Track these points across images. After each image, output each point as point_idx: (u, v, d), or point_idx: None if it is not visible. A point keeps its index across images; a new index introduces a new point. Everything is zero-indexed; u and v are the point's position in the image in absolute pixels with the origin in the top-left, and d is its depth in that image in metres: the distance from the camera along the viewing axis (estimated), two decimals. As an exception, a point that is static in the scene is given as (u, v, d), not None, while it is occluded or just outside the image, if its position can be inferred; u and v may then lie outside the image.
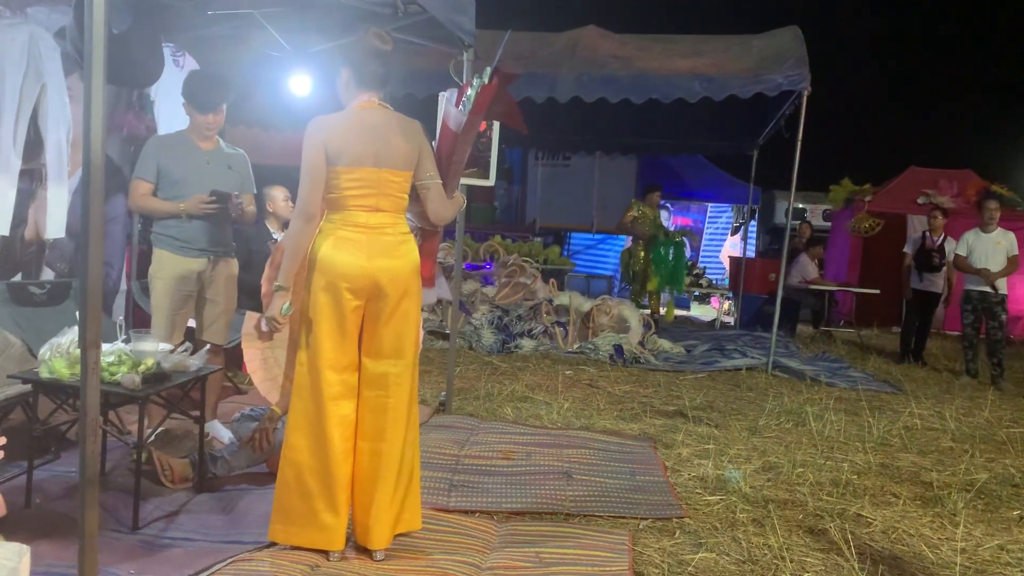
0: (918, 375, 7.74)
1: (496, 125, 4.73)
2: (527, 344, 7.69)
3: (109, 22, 1.95)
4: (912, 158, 12.97)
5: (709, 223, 16.00)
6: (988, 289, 7.33)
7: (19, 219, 4.53)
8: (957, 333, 10.70)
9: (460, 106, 2.99)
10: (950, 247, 8.22)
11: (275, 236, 5.69)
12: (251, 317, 3.04)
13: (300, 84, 5.50)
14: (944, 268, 8.41)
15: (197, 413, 3.51)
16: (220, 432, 4.08)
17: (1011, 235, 7.52)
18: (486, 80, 2.93)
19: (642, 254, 9.27)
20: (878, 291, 10.41)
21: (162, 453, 3.52)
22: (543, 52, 7.91)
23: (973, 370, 7.53)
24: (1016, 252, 7.43)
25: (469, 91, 2.96)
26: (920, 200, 12.02)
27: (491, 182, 5.00)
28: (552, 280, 8.63)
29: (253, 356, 3.05)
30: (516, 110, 3.13)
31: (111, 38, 1.98)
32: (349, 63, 2.96)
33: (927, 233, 8.55)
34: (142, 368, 3.17)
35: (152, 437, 3.47)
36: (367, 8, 4.29)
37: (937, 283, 8.53)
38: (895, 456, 4.72)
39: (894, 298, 11.63)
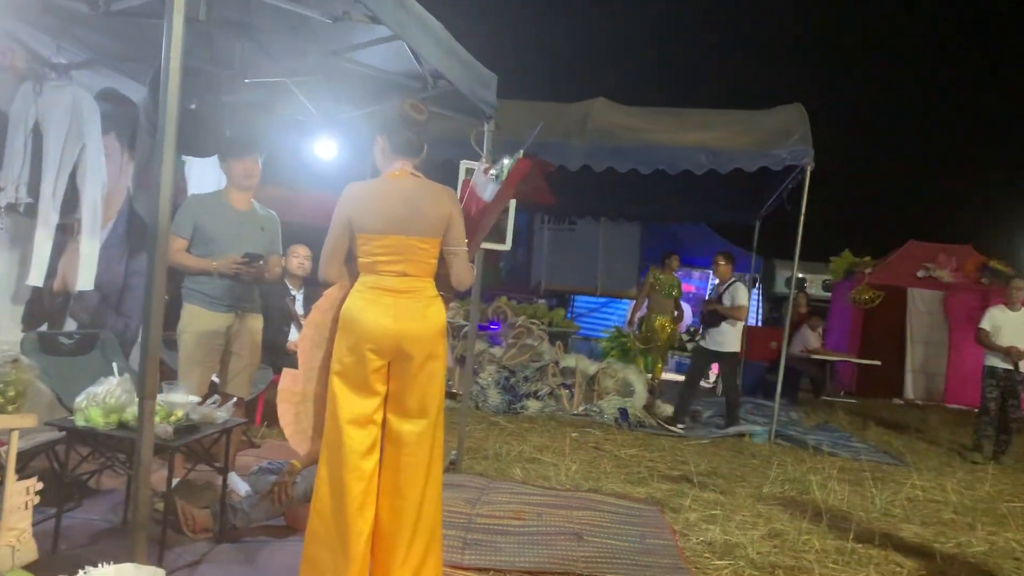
0: (919, 447, 7.81)
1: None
2: (533, 405, 7.78)
3: (182, 98, 2.13)
4: (912, 232, 13.24)
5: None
6: (1012, 367, 7.27)
7: (50, 271, 4.68)
8: (960, 407, 10.83)
9: (493, 176, 3.16)
10: (733, 295, 7.55)
11: (293, 293, 5.84)
12: (287, 374, 3.16)
13: (325, 148, 5.71)
14: (727, 321, 7.55)
15: (220, 464, 3.61)
16: (238, 484, 4.15)
17: None
18: (520, 155, 3.11)
19: (656, 321, 9.27)
20: (879, 362, 10.53)
21: (185, 503, 3.60)
22: (556, 121, 8.17)
23: (989, 449, 7.38)
24: None
25: (505, 161, 3.14)
26: (920, 274, 12.25)
27: (507, 247, 5.17)
28: (559, 342, 8.75)
29: (286, 411, 3.15)
30: (545, 189, 3.32)
31: (185, 112, 2.16)
32: (384, 131, 3.12)
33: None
34: (173, 419, 3.28)
35: (175, 487, 3.57)
36: (397, 80, 4.52)
37: (717, 339, 7.61)
38: (898, 527, 4.79)
39: (896, 369, 11.79)
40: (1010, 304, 7.49)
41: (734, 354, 7.72)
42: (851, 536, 4.38)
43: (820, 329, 11.23)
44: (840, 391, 11.54)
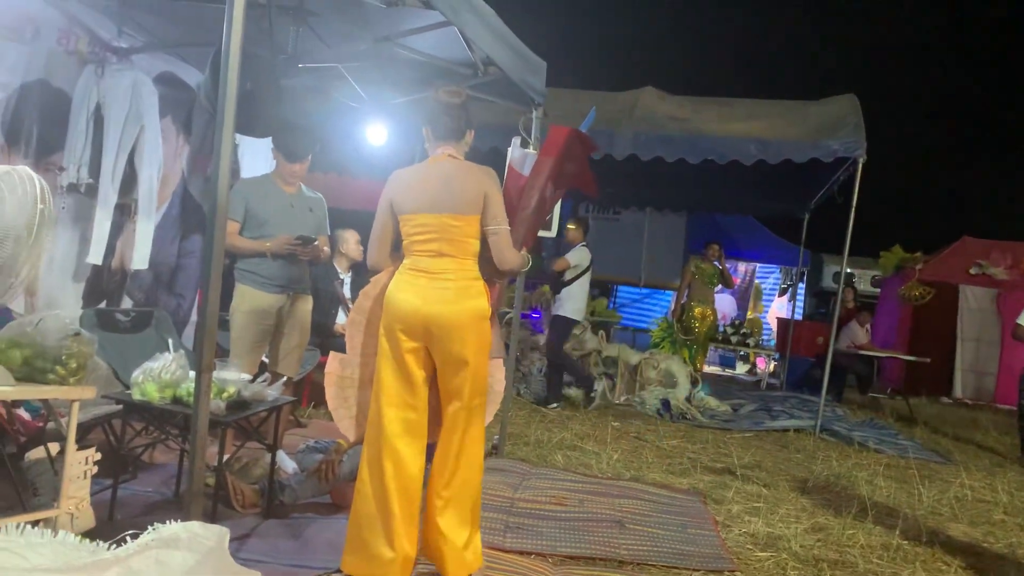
0: (967, 447, 7.65)
1: None
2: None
3: (241, 78, 2.18)
4: (966, 228, 12.92)
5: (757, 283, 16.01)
6: None
7: (108, 250, 4.81)
8: (1012, 407, 10.55)
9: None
10: (575, 256, 7.44)
11: (342, 276, 5.92)
12: (334, 357, 3.21)
13: (376, 134, 5.76)
14: (568, 287, 7.42)
15: (269, 441, 3.69)
16: (285, 462, 4.24)
17: None
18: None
19: (696, 310, 9.28)
20: (928, 360, 10.31)
21: (235, 478, 3.69)
22: (603, 110, 8.12)
23: None
24: None
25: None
26: (972, 271, 11.96)
27: (553, 233, 5.18)
28: (601, 332, 8.75)
29: (334, 394, 3.21)
30: (588, 173, 3.28)
31: (243, 92, 2.20)
32: (425, 119, 3.18)
33: None
34: (225, 396, 3.36)
35: (225, 462, 3.66)
36: (447, 67, 4.55)
37: (558, 303, 7.53)
38: (945, 525, 4.71)
39: (945, 367, 11.55)
40: None
41: (568, 320, 7.50)
42: (897, 532, 4.32)
43: (868, 325, 11.04)
44: (887, 388, 11.34)
